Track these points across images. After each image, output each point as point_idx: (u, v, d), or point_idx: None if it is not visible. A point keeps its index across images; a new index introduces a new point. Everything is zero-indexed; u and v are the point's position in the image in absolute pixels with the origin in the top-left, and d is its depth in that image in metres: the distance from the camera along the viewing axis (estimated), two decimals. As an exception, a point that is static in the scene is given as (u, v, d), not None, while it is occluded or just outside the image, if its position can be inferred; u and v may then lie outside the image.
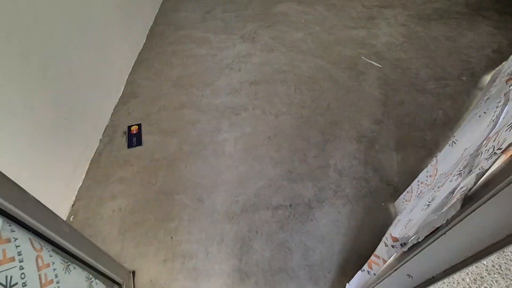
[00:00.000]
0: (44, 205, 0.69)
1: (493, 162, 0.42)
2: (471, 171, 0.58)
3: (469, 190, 0.43)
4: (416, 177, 1.36)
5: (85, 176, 1.47)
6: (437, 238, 0.49)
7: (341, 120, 1.68)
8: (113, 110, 1.78)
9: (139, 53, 2.19)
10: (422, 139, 1.56)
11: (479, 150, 0.60)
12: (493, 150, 0.49)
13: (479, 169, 0.51)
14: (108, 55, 1.74)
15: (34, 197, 0.66)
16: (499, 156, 0.42)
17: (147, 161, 1.52)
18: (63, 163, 1.31)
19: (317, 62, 2.08)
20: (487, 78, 1.90)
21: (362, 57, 2.11)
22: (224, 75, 2.00)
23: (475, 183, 0.42)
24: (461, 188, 0.50)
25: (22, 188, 0.62)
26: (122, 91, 1.89)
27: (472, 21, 2.42)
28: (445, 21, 2.44)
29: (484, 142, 0.60)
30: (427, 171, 1.03)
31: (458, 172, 0.65)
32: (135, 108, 1.79)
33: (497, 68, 1.93)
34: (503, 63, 1.98)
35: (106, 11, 1.72)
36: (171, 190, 1.40)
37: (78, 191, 1.41)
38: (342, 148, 1.54)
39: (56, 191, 1.28)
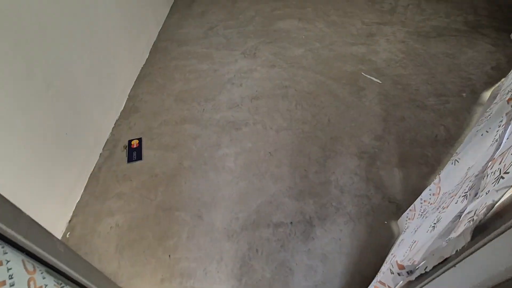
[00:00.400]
0: (39, 224, 0.67)
1: (505, 192, 0.41)
2: (477, 194, 0.57)
3: (479, 222, 0.41)
4: (418, 194, 1.34)
5: (84, 191, 1.45)
6: (446, 269, 0.47)
7: (342, 135, 1.68)
8: (114, 124, 1.78)
9: (142, 68, 2.22)
10: (423, 156, 1.55)
11: (484, 172, 0.59)
12: (500, 174, 0.48)
13: (486, 193, 0.49)
14: (112, 70, 1.77)
15: (28, 216, 0.64)
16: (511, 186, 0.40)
17: (147, 176, 1.51)
18: (62, 179, 1.30)
19: (318, 78, 2.10)
20: (487, 94, 1.91)
21: (362, 73, 2.13)
22: (226, 90, 2.02)
23: (485, 214, 0.40)
24: (468, 213, 0.48)
25: (17, 207, 0.61)
26: (123, 106, 1.90)
27: (471, 38, 2.46)
28: (444, 39, 2.47)
29: (490, 163, 0.59)
30: (430, 189, 1.01)
31: (464, 194, 0.63)
32: (136, 122, 1.80)
33: (497, 85, 1.95)
34: (502, 79, 1.99)
35: (111, 27, 1.76)
36: (170, 206, 1.38)
37: (76, 206, 1.39)
38: (343, 164, 1.52)
39: (54, 206, 1.26)
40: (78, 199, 1.41)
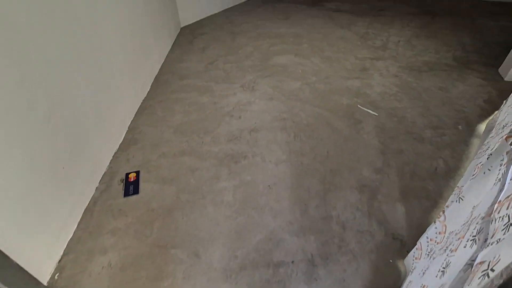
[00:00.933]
0: (25, 271, 0.64)
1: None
2: (486, 239, 0.55)
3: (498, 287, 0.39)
4: (422, 230, 1.30)
5: (77, 227, 1.40)
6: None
7: (341, 168, 1.67)
8: (113, 157, 1.77)
9: (143, 100, 2.27)
10: (424, 189, 1.53)
11: (492, 216, 0.57)
12: (509, 221, 0.47)
13: (497, 241, 0.48)
14: (113, 103, 1.80)
15: (15, 263, 0.61)
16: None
17: (143, 210, 1.47)
18: (55, 214, 1.26)
19: (315, 110, 2.15)
20: (482, 127, 1.94)
21: (359, 106, 2.18)
22: (225, 122, 2.05)
23: (505, 281, 0.38)
24: (481, 263, 0.46)
25: (3, 253, 0.58)
26: (123, 138, 1.90)
27: (461, 73, 2.57)
28: (435, 73, 2.58)
29: (496, 206, 0.58)
30: (435, 227, 0.98)
31: (472, 238, 0.61)
32: (135, 154, 1.79)
33: (491, 118, 1.99)
34: (496, 112, 2.04)
35: (115, 62, 1.82)
36: (166, 243, 1.33)
37: (67, 244, 1.33)
38: (343, 198, 1.50)
39: (45, 244, 1.20)
40: (71, 236, 1.35)
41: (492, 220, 0.57)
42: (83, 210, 1.46)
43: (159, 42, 2.75)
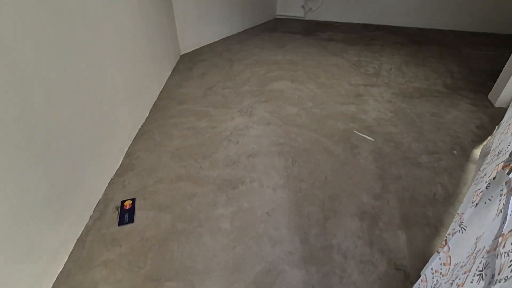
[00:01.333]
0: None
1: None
2: (493, 275, 0.54)
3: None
4: (426, 259, 1.27)
5: (68, 258, 1.34)
6: None
7: (340, 194, 1.66)
8: (108, 183, 1.74)
9: (141, 125, 2.28)
10: (425, 216, 1.52)
11: (497, 250, 0.57)
12: (516, 258, 0.46)
13: (505, 279, 0.46)
14: (112, 131, 1.80)
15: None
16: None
17: (137, 240, 1.42)
18: (46, 245, 1.21)
19: (312, 135, 2.17)
20: (477, 152, 1.97)
21: (355, 131, 2.21)
22: (223, 147, 2.05)
23: None
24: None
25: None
26: (120, 163, 1.88)
27: (452, 99, 2.65)
28: (427, 99, 2.66)
29: (500, 240, 0.57)
30: (440, 258, 0.96)
31: (479, 273, 0.60)
32: (131, 180, 1.76)
33: (485, 143, 2.03)
34: (489, 138, 2.09)
35: (115, 91, 1.84)
36: (160, 276, 1.27)
37: (57, 278, 1.26)
38: (344, 225, 1.47)
39: (33, 277, 1.14)
40: (61, 269, 1.29)
41: (497, 255, 0.56)
42: (75, 240, 1.41)
43: (159, 70, 2.82)
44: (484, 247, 0.67)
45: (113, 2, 1.85)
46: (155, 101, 2.63)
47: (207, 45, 4.08)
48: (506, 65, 2.48)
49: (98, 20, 1.65)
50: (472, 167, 1.84)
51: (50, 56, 1.23)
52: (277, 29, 4.93)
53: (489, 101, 2.62)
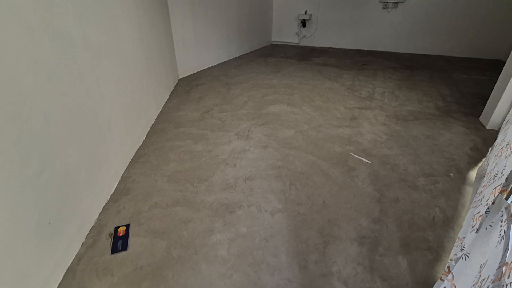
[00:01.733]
0: None
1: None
2: (500, 308, 0.52)
3: None
4: (429, 286, 1.24)
5: (55, 290, 1.27)
6: None
7: (339, 218, 1.63)
8: (102, 209, 1.70)
9: (138, 148, 2.27)
10: (425, 240, 1.49)
11: (502, 280, 0.55)
12: (521, 290, 0.45)
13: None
14: (107, 153, 1.79)
15: None
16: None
17: (131, 269, 1.36)
18: (34, 277, 1.15)
19: (309, 158, 2.18)
20: (472, 174, 1.98)
21: (351, 154, 2.22)
22: (220, 170, 2.04)
23: None
24: None
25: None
26: (115, 188, 1.85)
27: (445, 122, 2.71)
28: (421, 122, 2.71)
29: (504, 270, 0.56)
30: (444, 287, 0.94)
31: (485, 304, 0.58)
32: (126, 205, 1.72)
33: (480, 165, 2.05)
34: (483, 160, 2.11)
35: (113, 115, 1.86)
36: (153, 308, 1.20)
37: (42, 311, 1.19)
38: (343, 251, 1.44)
39: (16, 313, 1.07)
40: (47, 301, 1.22)
41: (502, 285, 0.55)
42: (65, 270, 1.35)
43: (158, 93, 2.86)
44: (488, 276, 0.65)
45: (115, 29, 1.92)
46: (153, 124, 2.64)
47: (205, 69, 4.19)
48: (494, 89, 2.57)
49: (100, 46, 1.70)
50: (469, 189, 1.84)
51: (50, 81, 1.25)
52: (273, 54, 5.11)
53: (481, 123, 2.69)
